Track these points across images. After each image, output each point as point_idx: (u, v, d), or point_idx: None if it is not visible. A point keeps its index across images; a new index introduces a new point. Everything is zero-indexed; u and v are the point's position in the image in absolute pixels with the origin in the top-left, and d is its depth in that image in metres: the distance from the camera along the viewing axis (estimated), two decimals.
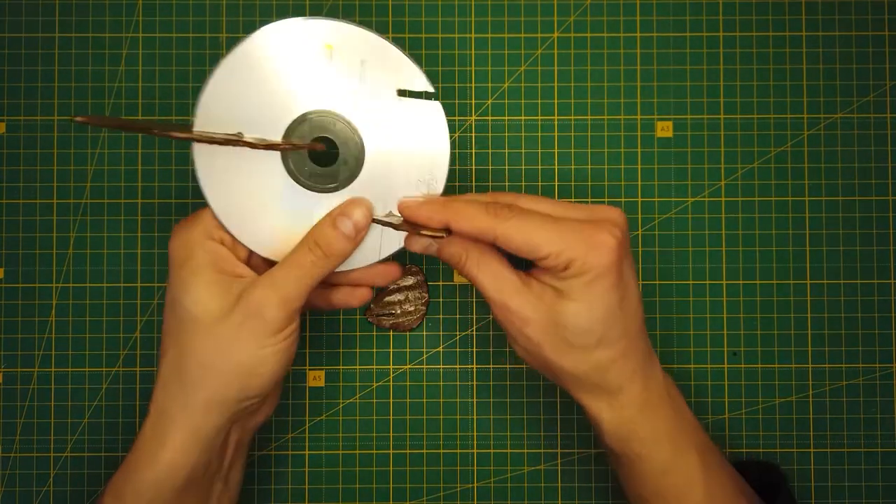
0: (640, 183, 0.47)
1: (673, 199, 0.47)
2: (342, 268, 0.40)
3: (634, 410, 0.38)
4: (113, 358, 0.46)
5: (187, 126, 0.38)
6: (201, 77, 0.46)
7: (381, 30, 0.47)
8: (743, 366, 0.46)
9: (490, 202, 0.38)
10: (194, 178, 0.38)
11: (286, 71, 0.38)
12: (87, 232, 0.46)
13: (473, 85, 0.47)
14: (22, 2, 0.47)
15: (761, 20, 0.47)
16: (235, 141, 0.37)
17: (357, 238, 0.39)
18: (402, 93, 0.39)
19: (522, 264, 0.38)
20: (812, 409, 0.46)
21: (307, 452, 0.46)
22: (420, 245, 0.39)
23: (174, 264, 0.38)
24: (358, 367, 0.47)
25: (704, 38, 0.47)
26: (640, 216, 0.47)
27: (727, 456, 0.46)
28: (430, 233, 0.38)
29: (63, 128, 0.46)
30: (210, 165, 0.38)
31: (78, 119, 0.35)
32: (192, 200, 0.46)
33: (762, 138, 0.47)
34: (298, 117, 0.38)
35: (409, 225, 0.39)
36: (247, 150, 0.38)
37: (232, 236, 0.39)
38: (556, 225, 0.37)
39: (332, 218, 0.38)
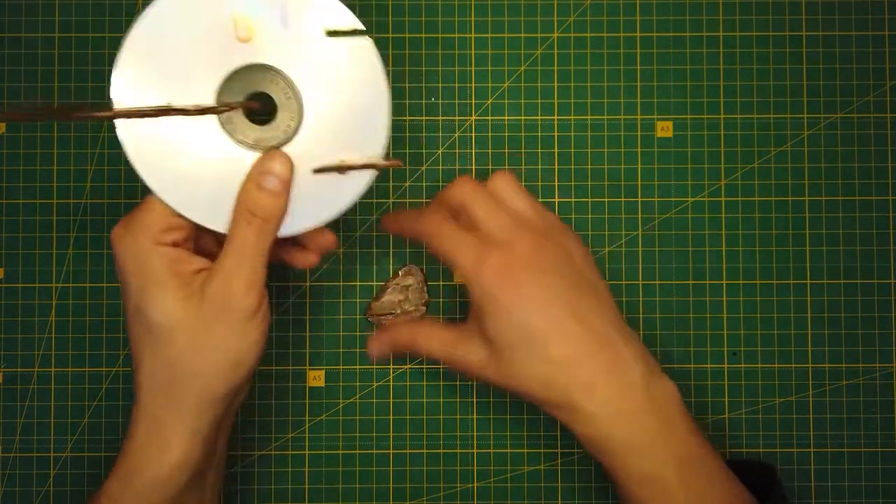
0: (640, 183, 0.47)
1: (673, 199, 0.47)
2: (301, 228, 0.38)
3: (603, 423, 0.38)
4: (113, 358, 0.46)
5: (107, 105, 0.36)
6: None
7: (380, 30, 0.47)
8: (743, 366, 0.46)
9: (436, 214, 0.41)
10: (128, 165, 0.36)
11: (210, 25, 0.35)
12: (87, 232, 0.46)
13: (473, 85, 0.47)
14: (22, 2, 0.47)
15: (761, 20, 0.47)
16: (165, 110, 0.35)
17: (286, 190, 0.37)
18: (331, 33, 0.36)
19: None
20: (812, 409, 0.46)
21: (307, 452, 0.46)
22: (377, 351, 0.43)
23: (126, 274, 0.37)
24: (358, 367, 0.47)
25: (704, 38, 0.47)
26: (640, 216, 0.47)
27: (727, 456, 0.46)
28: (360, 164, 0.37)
29: (63, 128, 0.46)
30: (142, 146, 0.36)
31: None
32: None
33: (762, 138, 0.47)
34: (229, 75, 0.36)
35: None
36: (180, 120, 0.36)
37: (187, 219, 0.37)
38: (460, 242, 0.39)
39: (255, 181, 0.37)
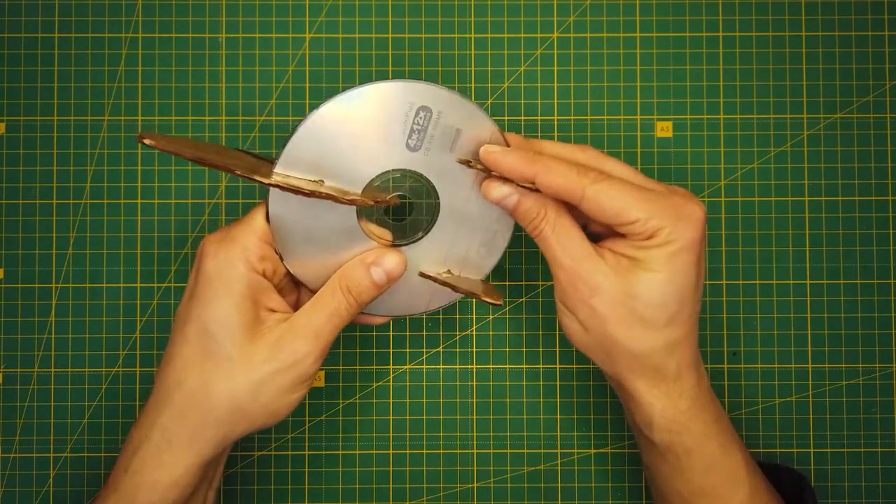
0: None
1: None
2: (384, 312, 0.41)
3: (689, 402, 0.38)
4: (113, 358, 0.46)
5: (269, 167, 0.37)
6: (201, 77, 0.46)
7: (380, 30, 0.47)
8: (743, 366, 0.46)
9: (579, 164, 0.37)
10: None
11: (377, 125, 0.37)
12: (87, 232, 0.46)
13: (473, 85, 0.47)
14: (22, 2, 0.47)
15: (761, 20, 0.47)
16: (318, 193, 0.36)
17: (386, 287, 0.39)
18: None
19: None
20: (812, 409, 0.46)
21: (307, 452, 0.46)
22: (498, 193, 0.38)
23: (208, 287, 0.36)
24: (358, 367, 0.47)
25: (704, 38, 0.47)
26: None
27: None
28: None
29: (63, 128, 0.47)
30: (284, 201, 0.38)
31: (147, 142, 0.33)
32: (191, 201, 0.46)
33: (762, 138, 0.47)
34: (382, 173, 0.38)
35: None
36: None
37: (284, 265, 0.39)
38: (644, 192, 0.36)
39: (367, 266, 0.38)
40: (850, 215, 0.47)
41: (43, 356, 0.46)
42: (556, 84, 0.47)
